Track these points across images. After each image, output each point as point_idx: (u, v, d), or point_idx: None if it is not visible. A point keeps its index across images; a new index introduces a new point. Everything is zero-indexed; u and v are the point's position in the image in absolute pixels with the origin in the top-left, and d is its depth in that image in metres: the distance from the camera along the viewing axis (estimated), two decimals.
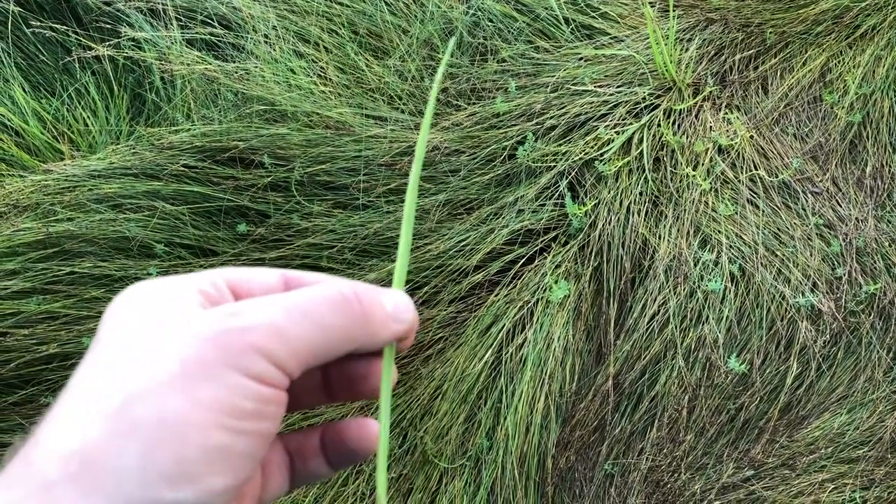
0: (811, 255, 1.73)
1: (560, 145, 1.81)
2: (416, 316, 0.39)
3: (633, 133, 1.83)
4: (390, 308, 0.37)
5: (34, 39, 2.08)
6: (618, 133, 1.82)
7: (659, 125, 1.85)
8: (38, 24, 1.95)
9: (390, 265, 1.70)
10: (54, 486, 0.28)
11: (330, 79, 1.91)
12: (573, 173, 1.79)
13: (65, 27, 1.96)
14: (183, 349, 0.31)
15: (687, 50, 1.95)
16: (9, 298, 1.61)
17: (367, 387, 0.40)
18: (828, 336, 1.67)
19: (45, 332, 1.60)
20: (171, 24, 1.92)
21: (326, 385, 0.41)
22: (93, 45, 1.88)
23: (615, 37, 1.97)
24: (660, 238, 1.74)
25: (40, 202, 1.68)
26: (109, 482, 0.28)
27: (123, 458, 0.28)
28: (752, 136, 1.86)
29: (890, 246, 1.74)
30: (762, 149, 1.86)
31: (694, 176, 1.79)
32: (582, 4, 2.00)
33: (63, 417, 0.30)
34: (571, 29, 2.00)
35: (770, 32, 1.97)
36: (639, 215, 1.76)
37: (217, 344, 0.31)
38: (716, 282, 1.67)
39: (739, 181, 1.80)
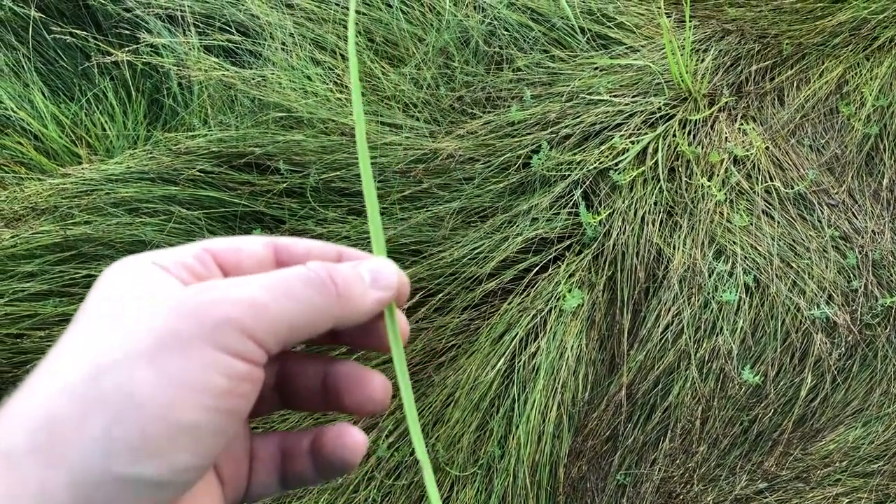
0: (827, 267, 1.72)
1: (575, 154, 1.81)
2: (403, 279, 0.38)
3: (649, 143, 1.83)
4: (368, 278, 0.36)
5: (54, 45, 2.10)
6: (633, 143, 1.82)
7: (674, 135, 1.85)
8: (59, 29, 1.97)
9: (404, 271, 1.70)
10: (19, 458, 0.28)
11: (346, 86, 1.92)
12: (588, 182, 1.80)
13: (84, 33, 1.98)
14: (157, 321, 0.30)
15: (703, 60, 1.95)
16: (26, 300, 1.62)
17: (367, 388, 0.38)
18: (843, 349, 1.66)
19: (61, 335, 1.61)
20: (190, 30, 1.94)
21: (325, 389, 0.39)
22: (112, 51, 1.90)
23: (631, 47, 1.97)
24: (674, 248, 1.74)
25: (58, 205, 1.70)
26: (73, 454, 0.28)
27: (87, 430, 0.28)
28: (767, 147, 1.86)
29: None
30: (778, 160, 1.85)
31: (709, 186, 1.79)
32: (598, 14, 2.01)
33: (33, 388, 0.29)
34: (587, 39, 2.00)
35: (787, 44, 1.97)
36: (653, 225, 1.76)
37: (192, 316, 0.30)
38: (730, 293, 1.66)
39: (755, 192, 1.80)
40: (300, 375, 0.39)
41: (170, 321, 0.30)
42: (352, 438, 0.37)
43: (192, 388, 0.29)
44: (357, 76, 0.41)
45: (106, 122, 2.00)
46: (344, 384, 0.38)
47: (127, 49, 1.91)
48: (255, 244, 0.37)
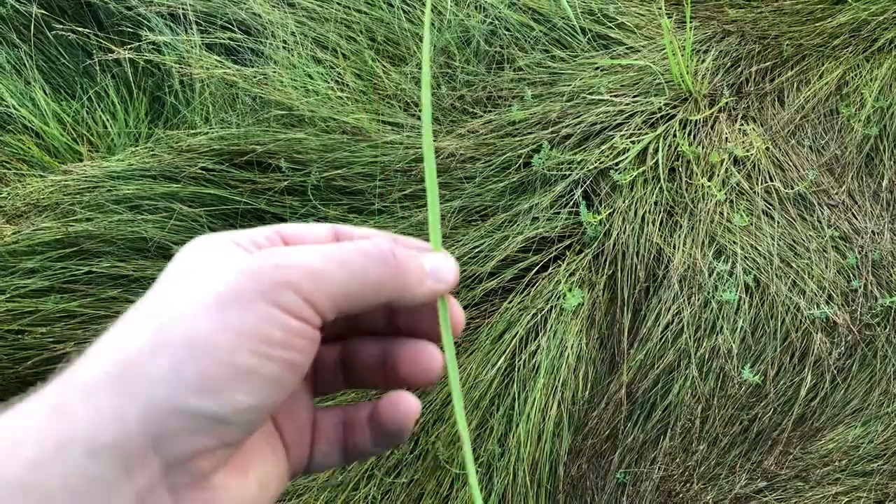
0: (826, 267, 1.72)
1: (575, 154, 1.82)
2: (457, 277, 0.41)
3: (649, 143, 1.84)
4: (429, 267, 0.39)
5: (56, 43, 2.10)
6: (633, 143, 1.83)
7: (675, 135, 1.85)
8: (61, 27, 1.97)
9: None
10: (95, 386, 0.31)
11: (347, 85, 1.93)
12: (588, 182, 1.80)
13: (86, 30, 1.98)
14: (220, 280, 0.33)
15: (703, 61, 1.95)
16: (27, 296, 1.62)
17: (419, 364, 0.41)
18: (843, 348, 1.66)
19: (62, 331, 1.61)
20: (191, 28, 1.94)
21: (384, 364, 0.42)
22: (113, 48, 1.90)
23: (631, 47, 1.98)
24: (674, 248, 1.74)
25: (60, 202, 1.70)
26: (142, 386, 0.31)
27: (156, 368, 0.31)
28: (767, 148, 1.86)
29: None
30: (778, 160, 1.86)
31: (709, 186, 1.79)
32: (599, 15, 2.01)
33: (111, 335, 0.33)
34: (588, 39, 2.00)
35: (787, 45, 1.97)
36: (653, 225, 1.76)
37: (252, 277, 0.33)
38: (730, 292, 1.66)
39: (755, 192, 1.80)
40: (361, 353, 0.42)
41: (232, 281, 0.33)
42: (405, 403, 0.40)
43: (249, 336, 0.32)
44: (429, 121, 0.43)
45: (107, 119, 2.00)
46: (400, 356, 0.41)
47: (129, 47, 1.91)
48: (319, 229, 0.40)
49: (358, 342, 0.42)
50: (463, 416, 0.41)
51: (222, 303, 0.32)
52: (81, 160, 1.89)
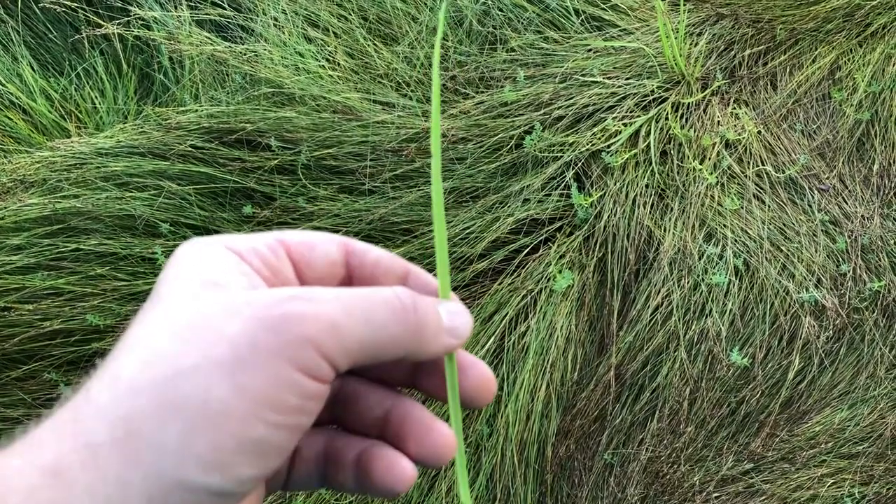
0: (816, 252, 1.73)
1: (567, 136, 1.81)
2: (471, 331, 0.38)
3: (641, 125, 1.83)
4: (447, 322, 0.36)
5: (43, 18, 2.08)
6: (625, 125, 1.82)
7: (667, 118, 1.85)
8: (49, 1, 1.94)
9: (395, 250, 1.69)
10: (100, 449, 0.29)
11: (338, 63, 1.91)
12: (580, 164, 1.79)
13: (74, 4, 1.96)
14: (238, 328, 0.30)
15: (696, 44, 1.95)
16: (14, 273, 1.61)
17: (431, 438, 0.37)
18: (831, 332, 1.67)
19: (49, 308, 1.60)
20: (181, 4, 1.92)
21: (386, 424, 0.39)
22: (102, 24, 1.88)
23: (625, 29, 1.97)
24: (665, 230, 1.74)
25: (47, 178, 1.68)
26: (148, 456, 0.29)
27: (165, 436, 0.29)
28: (759, 132, 1.86)
29: (895, 244, 1.74)
30: (769, 144, 1.86)
31: (700, 170, 1.79)
32: None
33: (116, 377, 0.30)
34: (581, 20, 1.99)
35: (780, 29, 1.97)
36: (644, 207, 1.76)
37: (273, 329, 0.30)
38: (720, 275, 1.67)
39: (746, 176, 1.80)
40: (362, 399, 0.39)
41: (249, 330, 0.30)
42: (402, 471, 0.36)
43: (265, 406, 0.30)
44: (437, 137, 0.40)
45: (96, 96, 1.98)
46: (409, 429, 0.37)
47: (117, 22, 1.89)
48: (329, 244, 0.37)
49: (360, 385, 0.39)
50: (467, 489, 0.38)
51: (237, 360, 0.30)
52: (69, 137, 1.87)
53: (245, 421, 0.30)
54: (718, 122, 1.86)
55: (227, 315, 0.31)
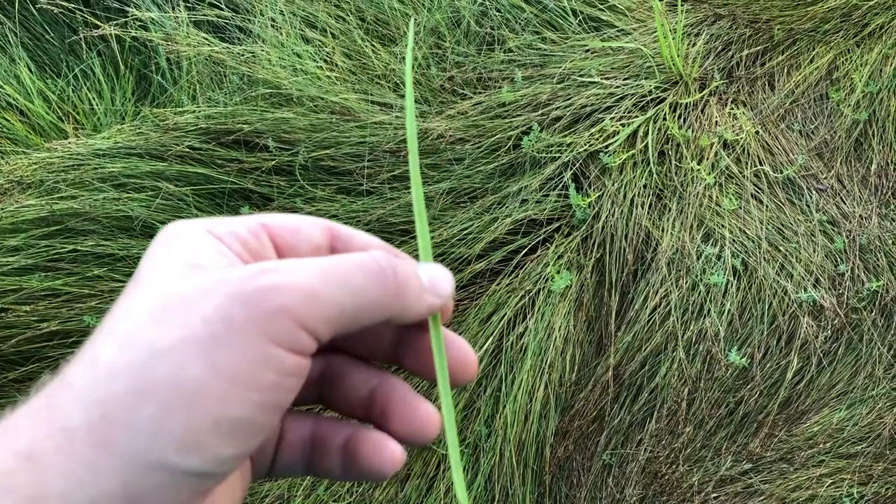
0: (814, 252, 1.73)
1: (565, 136, 1.81)
2: (453, 290, 0.38)
3: (639, 126, 1.83)
4: (426, 281, 0.36)
5: (40, 19, 2.07)
6: (623, 125, 1.82)
7: (665, 119, 1.85)
8: (46, 1, 1.94)
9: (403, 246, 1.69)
10: (76, 433, 0.28)
11: (336, 64, 1.91)
12: (578, 165, 1.79)
13: (72, 5, 1.95)
14: (212, 306, 0.30)
15: (694, 45, 1.95)
16: (11, 274, 1.61)
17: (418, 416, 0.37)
18: (829, 332, 1.67)
19: (46, 310, 1.60)
20: (179, 5, 1.92)
21: (371, 403, 0.38)
22: (100, 24, 1.87)
23: (622, 30, 1.97)
24: (663, 231, 1.74)
25: (44, 179, 1.68)
26: (122, 439, 0.28)
27: (138, 418, 0.28)
28: (757, 132, 1.86)
29: (893, 244, 1.74)
30: (767, 144, 1.86)
31: (698, 170, 1.79)
32: None
33: (94, 361, 0.30)
34: (579, 21, 1.99)
35: (778, 29, 1.97)
36: (642, 208, 1.76)
37: (248, 303, 0.30)
38: (718, 275, 1.67)
39: (744, 176, 1.80)
40: (347, 378, 0.38)
41: (223, 307, 0.30)
42: (390, 453, 0.36)
43: (241, 384, 0.29)
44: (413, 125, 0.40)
45: (93, 98, 1.98)
46: (394, 408, 0.37)
47: (115, 23, 1.89)
48: (313, 228, 0.36)
49: (345, 365, 0.39)
50: (460, 471, 0.37)
51: (212, 337, 0.29)
52: (67, 138, 1.87)
53: (221, 400, 0.29)
54: (716, 122, 1.86)
55: (202, 294, 0.30)
